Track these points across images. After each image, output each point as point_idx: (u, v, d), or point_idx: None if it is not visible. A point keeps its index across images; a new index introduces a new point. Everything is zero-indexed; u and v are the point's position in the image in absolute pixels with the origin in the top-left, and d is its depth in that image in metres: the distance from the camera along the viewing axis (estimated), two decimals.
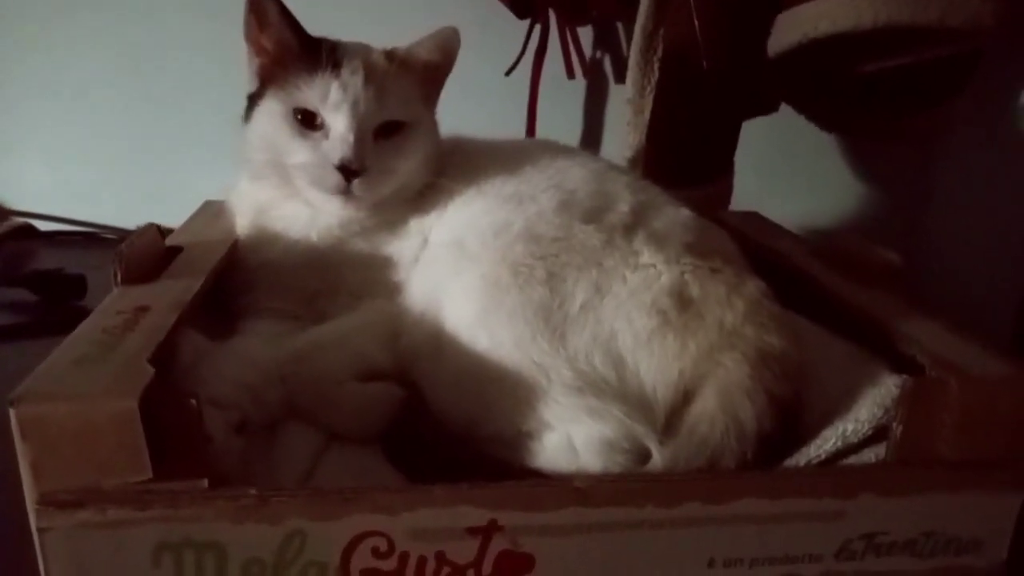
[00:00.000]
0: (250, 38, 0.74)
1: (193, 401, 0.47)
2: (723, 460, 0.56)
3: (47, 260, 1.23)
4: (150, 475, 0.46)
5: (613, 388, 0.58)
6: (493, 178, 0.73)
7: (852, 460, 0.58)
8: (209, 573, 0.48)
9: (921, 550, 0.56)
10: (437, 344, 0.64)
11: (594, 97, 1.42)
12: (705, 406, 0.57)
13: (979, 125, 1.24)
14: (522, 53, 1.31)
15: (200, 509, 0.47)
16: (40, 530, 0.46)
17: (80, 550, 0.47)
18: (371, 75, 0.72)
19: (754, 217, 1.00)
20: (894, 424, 0.56)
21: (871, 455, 0.57)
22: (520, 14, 1.30)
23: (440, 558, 0.50)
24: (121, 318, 0.56)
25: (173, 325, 0.56)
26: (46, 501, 0.46)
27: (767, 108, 1.19)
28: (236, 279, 0.76)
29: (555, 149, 0.80)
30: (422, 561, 0.50)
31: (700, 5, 1.03)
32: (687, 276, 0.62)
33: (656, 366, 0.59)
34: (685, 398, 0.58)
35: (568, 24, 1.32)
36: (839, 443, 0.57)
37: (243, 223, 0.79)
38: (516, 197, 0.70)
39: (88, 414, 0.45)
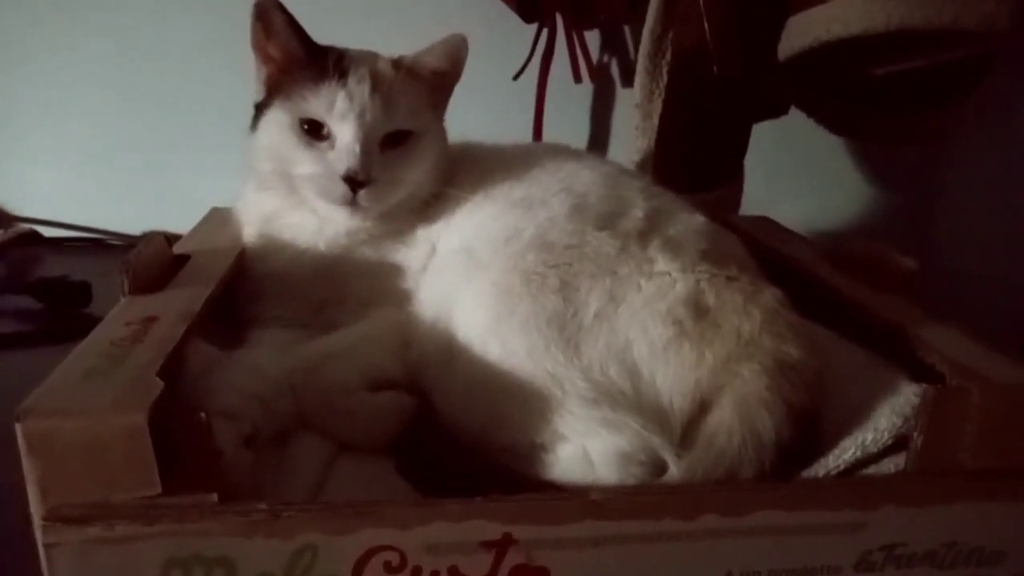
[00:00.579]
0: (257, 47, 0.74)
1: (203, 415, 0.46)
2: (741, 471, 0.55)
3: (52, 267, 1.23)
4: (159, 490, 0.46)
5: (628, 399, 0.58)
6: (501, 183, 0.73)
7: (872, 470, 0.57)
8: None
9: (942, 561, 0.55)
10: (448, 353, 0.63)
11: (601, 101, 1.42)
12: (722, 417, 0.56)
13: (989, 127, 1.23)
14: (529, 57, 1.31)
15: (210, 524, 0.47)
16: (47, 546, 0.45)
17: (88, 566, 0.46)
18: (378, 84, 0.72)
19: (765, 222, 0.99)
20: (914, 433, 0.55)
21: (891, 465, 0.56)
22: (527, 18, 1.30)
23: (453, 572, 0.50)
24: (129, 329, 0.56)
25: (182, 336, 0.55)
26: (53, 516, 0.45)
27: (777, 111, 1.19)
28: (244, 288, 0.75)
29: (564, 152, 0.80)
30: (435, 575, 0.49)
31: (710, 8, 1.03)
32: (703, 284, 0.61)
33: (672, 376, 0.58)
34: (702, 409, 0.58)
35: (575, 28, 1.32)
36: (858, 453, 0.56)
37: (250, 232, 0.78)
38: (525, 202, 0.69)
39: (96, 429, 0.44)
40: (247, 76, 0.77)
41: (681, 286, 0.61)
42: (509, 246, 0.65)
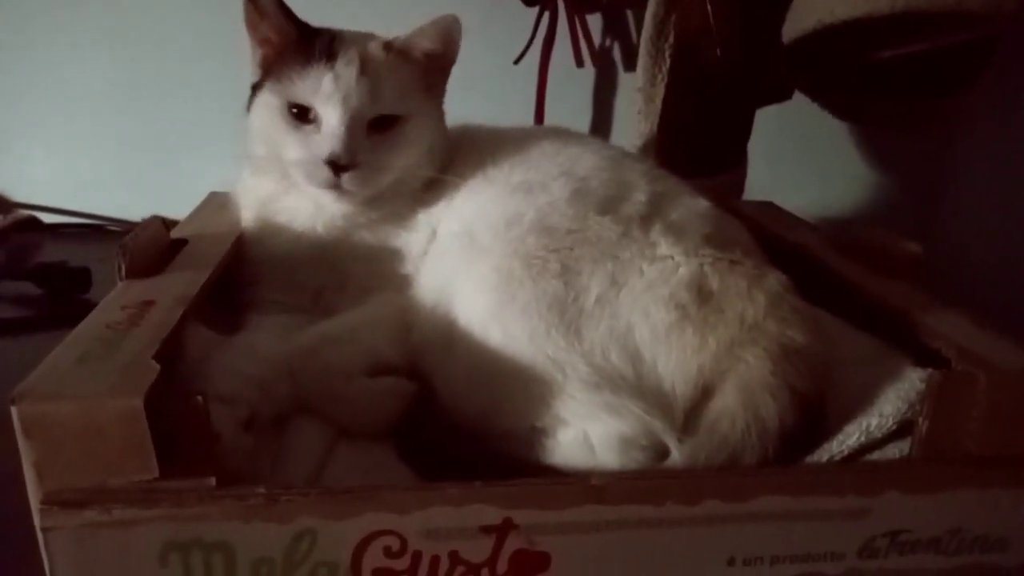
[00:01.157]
0: (250, 27, 0.73)
1: (200, 398, 0.46)
2: (744, 457, 0.54)
3: (51, 253, 1.23)
4: (156, 474, 0.45)
5: (630, 384, 0.57)
6: (501, 166, 0.72)
7: (876, 456, 0.56)
8: (217, 573, 0.47)
9: (946, 548, 0.55)
10: (449, 338, 0.62)
11: (603, 86, 1.41)
12: (726, 402, 0.56)
13: (993, 113, 1.22)
14: (531, 41, 1.30)
15: (208, 508, 0.46)
16: (45, 530, 0.45)
17: (85, 550, 0.46)
18: (366, 67, 0.71)
19: (769, 207, 0.98)
20: (919, 419, 0.54)
21: (895, 451, 0.56)
22: (528, 2, 1.29)
23: (454, 557, 0.49)
24: (126, 313, 0.55)
25: (179, 320, 0.55)
26: (51, 500, 0.45)
27: (780, 96, 1.18)
28: (242, 272, 0.75)
29: (565, 135, 0.79)
30: (435, 560, 0.49)
31: None
32: (706, 268, 0.61)
33: (675, 361, 0.57)
34: (704, 394, 0.57)
35: (577, 12, 1.31)
36: (862, 439, 0.56)
37: (248, 216, 0.78)
38: (526, 186, 0.69)
39: (93, 412, 0.44)
40: (245, 60, 0.77)
41: (684, 270, 0.60)
42: (510, 230, 0.64)
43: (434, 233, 0.73)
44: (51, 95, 1.36)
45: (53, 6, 1.32)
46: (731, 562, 0.52)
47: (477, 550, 0.49)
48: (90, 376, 0.47)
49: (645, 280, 0.60)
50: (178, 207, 0.85)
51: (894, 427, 0.56)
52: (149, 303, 0.57)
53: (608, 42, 1.39)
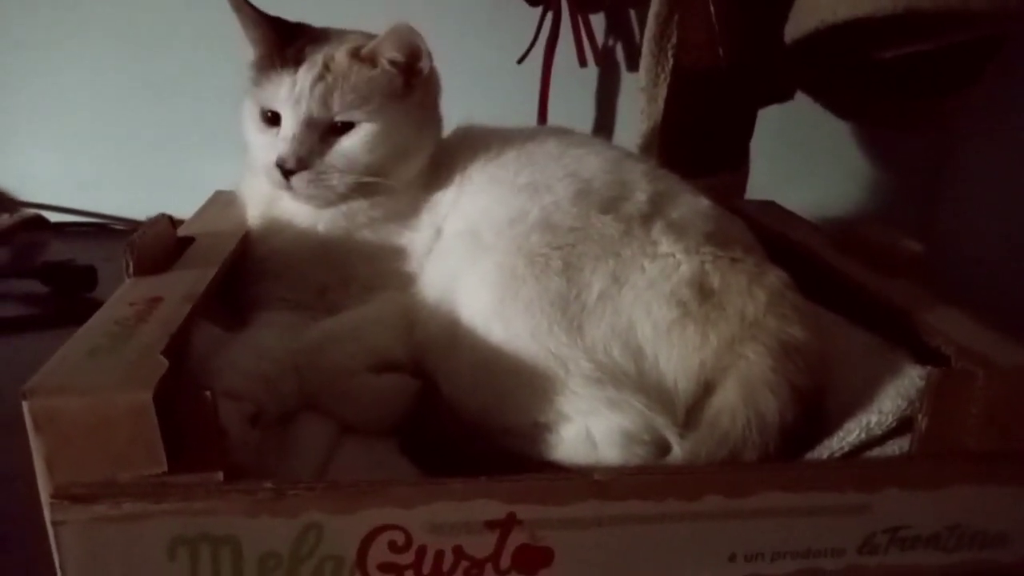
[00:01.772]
0: (243, 31, 0.74)
1: (208, 393, 0.46)
2: (745, 453, 0.55)
3: (58, 251, 1.23)
4: (165, 468, 0.46)
5: (632, 380, 0.57)
6: (507, 167, 0.72)
7: (876, 453, 0.57)
8: (225, 567, 0.48)
9: (946, 544, 0.55)
10: (452, 335, 0.63)
11: (606, 85, 1.41)
12: (726, 398, 0.56)
13: (996, 112, 1.22)
14: (534, 41, 1.30)
15: (216, 502, 0.47)
16: (55, 523, 0.46)
17: (95, 544, 0.46)
18: (326, 73, 0.70)
19: (771, 206, 0.98)
20: (919, 416, 0.55)
21: (895, 447, 0.57)
22: (532, 1, 1.29)
23: (458, 552, 0.50)
24: (134, 309, 0.56)
25: (186, 316, 0.55)
26: (60, 494, 0.45)
27: (782, 96, 1.18)
28: (248, 270, 0.75)
29: (569, 136, 0.79)
30: (439, 555, 0.50)
31: None
32: (707, 266, 0.61)
33: (676, 357, 0.58)
34: (706, 390, 0.58)
35: (580, 11, 1.31)
36: (862, 435, 0.56)
37: (253, 213, 0.78)
38: (531, 186, 0.69)
39: (102, 407, 0.45)
40: (249, 60, 0.76)
41: (685, 268, 0.61)
42: (513, 228, 0.65)
43: (438, 232, 0.73)
44: (57, 94, 1.36)
45: (59, 5, 1.32)
46: (732, 558, 0.53)
47: (481, 545, 0.50)
48: (100, 371, 0.47)
49: (647, 277, 0.60)
50: (184, 206, 0.86)
51: (894, 424, 0.56)
52: (157, 300, 0.57)
53: (611, 42, 1.39)
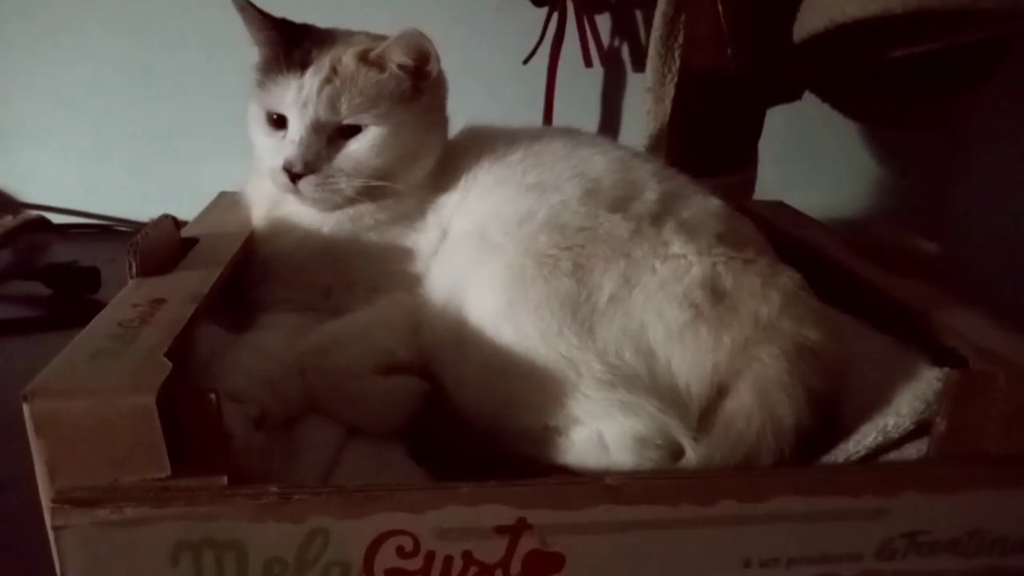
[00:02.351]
0: (248, 32, 0.74)
1: (212, 396, 0.46)
2: (759, 457, 0.54)
3: (61, 253, 1.22)
4: (168, 472, 0.45)
5: (644, 383, 0.57)
6: (514, 167, 0.72)
7: (893, 456, 0.56)
8: (229, 572, 0.47)
9: (965, 549, 0.54)
10: (460, 337, 0.62)
11: (612, 85, 1.40)
12: (741, 402, 0.55)
13: (1006, 111, 1.21)
14: (539, 41, 1.30)
15: (220, 507, 0.46)
16: (56, 528, 0.45)
17: (96, 549, 0.45)
18: (333, 77, 0.70)
19: (780, 207, 0.97)
20: (937, 418, 0.54)
21: (912, 451, 0.55)
22: (538, 2, 1.28)
23: (467, 558, 0.49)
24: (137, 311, 0.55)
25: (190, 318, 0.55)
26: (62, 499, 0.45)
27: (790, 96, 1.17)
28: (252, 271, 0.75)
29: (576, 136, 0.78)
30: (448, 561, 0.49)
31: None
32: (720, 267, 0.60)
33: (689, 360, 0.57)
34: (719, 393, 0.57)
35: (586, 12, 1.31)
36: (879, 438, 0.55)
37: (258, 214, 0.77)
38: (539, 187, 0.68)
39: (104, 410, 0.44)
40: (254, 62, 0.76)
41: (697, 269, 0.60)
42: (522, 229, 0.64)
43: (445, 233, 0.73)
44: (60, 94, 1.36)
45: (62, 5, 1.32)
46: (747, 563, 0.52)
47: (491, 550, 0.49)
48: (102, 373, 0.46)
49: (658, 278, 0.60)
50: (189, 207, 0.85)
51: (911, 427, 0.55)
52: (160, 301, 0.57)
53: (617, 42, 1.38)
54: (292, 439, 0.61)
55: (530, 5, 1.28)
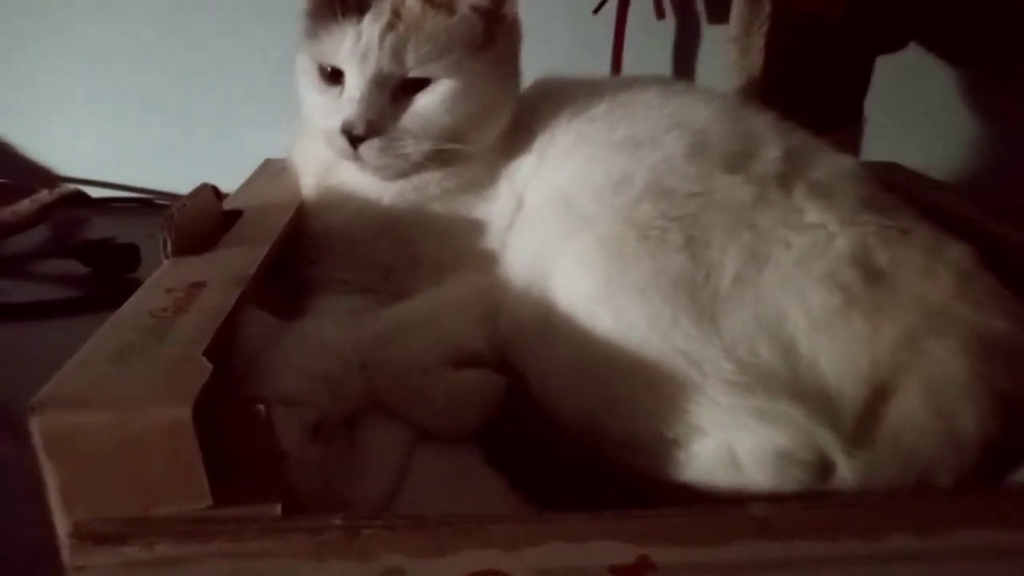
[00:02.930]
0: None
1: (262, 408, 0.38)
2: (937, 478, 0.45)
3: (98, 229, 1.21)
4: (209, 501, 0.38)
5: (785, 384, 0.48)
6: (598, 121, 0.64)
7: None
8: None
9: None
10: (546, 324, 0.54)
11: (685, 39, 1.33)
12: (909, 407, 0.46)
13: None
14: None
15: (273, 543, 0.39)
16: (74, 569, 0.38)
17: None
18: (396, 22, 0.62)
19: (896, 168, 0.86)
20: None
21: None
22: None
23: None
24: (172, 297, 0.48)
25: (234, 305, 0.48)
26: (81, 534, 0.38)
27: (895, 45, 1.06)
28: (303, 248, 0.68)
29: (668, 83, 0.71)
30: None
31: None
32: (871, 239, 0.51)
33: (840, 356, 0.48)
34: (880, 397, 0.47)
35: None
36: None
37: (308, 183, 0.71)
38: (631, 142, 0.60)
39: (130, 425, 0.37)
40: (302, 7, 0.69)
41: (842, 242, 0.51)
42: (617, 195, 0.56)
43: (520, 203, 0.65)
44: (97, 64, 1.34)
45: None
46: None
47: None
48: (128, 378, 0.39)
49: (794, 254, 0.51)
50: (233, 179, 0.79)
51: None
52: (199, 285, 0.50)
53: None
54: (353, 447, 0.53)
55: None
